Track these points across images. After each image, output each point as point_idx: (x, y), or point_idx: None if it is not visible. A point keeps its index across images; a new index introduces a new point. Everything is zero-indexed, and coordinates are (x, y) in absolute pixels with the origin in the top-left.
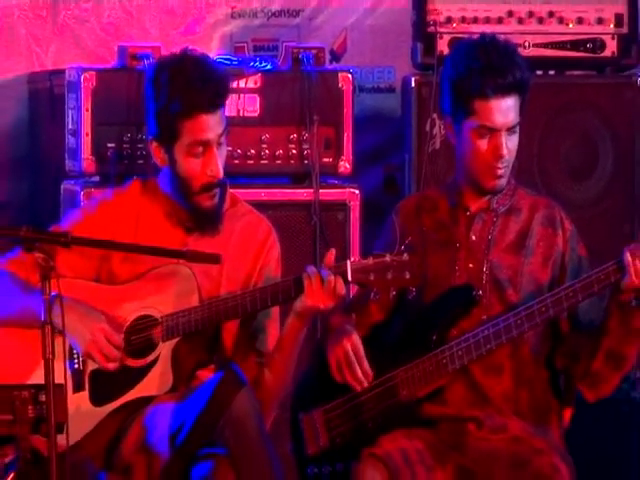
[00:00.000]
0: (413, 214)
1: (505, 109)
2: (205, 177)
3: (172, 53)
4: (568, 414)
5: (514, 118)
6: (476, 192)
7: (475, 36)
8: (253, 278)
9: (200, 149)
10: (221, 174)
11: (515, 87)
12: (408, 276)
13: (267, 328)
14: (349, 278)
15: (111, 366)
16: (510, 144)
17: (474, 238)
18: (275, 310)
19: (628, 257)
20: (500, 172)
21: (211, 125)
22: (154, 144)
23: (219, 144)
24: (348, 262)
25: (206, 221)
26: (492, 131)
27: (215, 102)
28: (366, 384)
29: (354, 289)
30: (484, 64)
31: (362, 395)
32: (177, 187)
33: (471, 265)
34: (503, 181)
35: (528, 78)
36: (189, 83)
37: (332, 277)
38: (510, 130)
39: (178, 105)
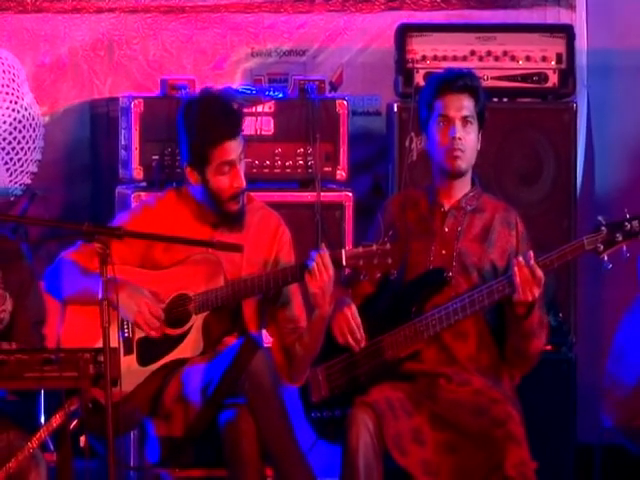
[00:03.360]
0: (399, 209)
1: (458, 103)
2: (232, 189)
3: (196, 94)
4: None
5: (466, 112)
6: (446, 178)
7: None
8: (270, 260)
9: (227, 168)
10: (244, 184)
11: (465, 89)
12: (390, 261)
13: (292, 299)
14: (343, 263)
15: (153, 333)
16: (465, 134)
17: (447, 230)
18: (295, 287)
19: (516, 275)
20: (456, 153)
21: (234, 148)
22: (188, 169)
23: (240, 159)
24: (343, 250)
25: (234, 221)
26: (448, 120)
27: (235, 130)
28: (363, 345)
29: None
30: (443, 76)
31: (356, 355)
32: (209, 198)
33: (444, 252)
34: (460, 163)
35: (478, 87)
36: (213, 118)
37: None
38: (463, 121)
39: (206, 137)
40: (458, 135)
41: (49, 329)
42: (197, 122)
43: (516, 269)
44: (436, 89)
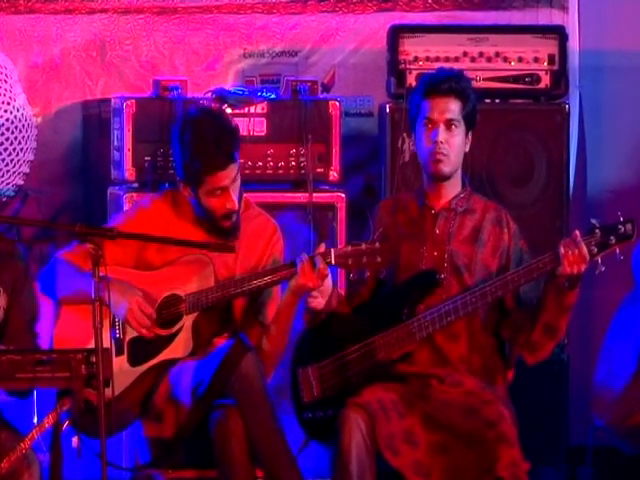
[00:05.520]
0: (390, 212)
1: (442, 106)
2: (224, 210)
3: (192, 112)
4: (511, 374)
5: (451, 115)
6: (432, 182)
7: None
8: (262, 265)
9: (219, 192)
10: (236, 206)
11: (451, 91)
12: (379, 260)
13: (268, 305)
14: (333, 262)
15: (144, 332)
16: (448, 137)
17: (438, 232)
18: (276, 290)
19: (562, 250)
20: (438, 157)
21: (226, 176)
22: (182, 184)
23: (234, 182)
24: (332, 250)
25: (226, 235)
26: (432, 123)
27: (228, 160)
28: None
29: (341, 271)
30: (431, 78)
31: (348, 356)
32: (202, 213)
33: (435, 253)
34: (443, 167)
35: (466, 89)
36: (207, 146)
37: (323, 264)
38: (447, 124)
39: (198, 165)
40: (441, 139)
41: (42, 328)
42: (191, 147)
43: (562, 244)
44: (423, 90)
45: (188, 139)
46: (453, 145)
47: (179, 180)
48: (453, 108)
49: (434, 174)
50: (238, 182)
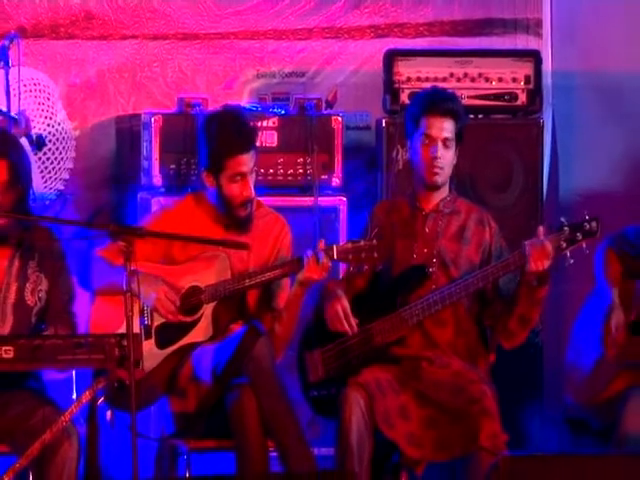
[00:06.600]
0: (385, 213)
1: (440, 125)
2: (242, 197)
3: (216, 109)
4: (492, 357)
5: (447, 134)
6: (426, 192)
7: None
8: (273, 258)
9: (238, 178)
10: (253, 194)
11: (449, 112)
12: (376, 255)
13: (279, 293)
14: (335, 257)
15: (170, 317)
16: (444, 152)
17: (427, 231)
18: (285, 280)
19: (527, 249)
20: (436, 170)
21: (246, 161)
22: (205, 173)
23: (251, 172)
24: (334, 246)
25: (242, 224)
26: (431, 139)
27: (248, 146)
28: (354, 330)
29: (343, 265)
30: (431, 96)
31: (349, 341)
32: (222, 202)
33: (425, 250)
34: (438, 179)
35: (460, 111)
36: (230, 132)
37: (326, 259)
38: (444, 142)
39: (223, 148)
40: (439, 154)
41: (79, 311)
42: (216, 134)
43: (528, 243)
44: (424, 107)
45: (214, 129)
46: (447, 159)
47: (203, 171)
48: (449, 127)
49: (430, 184)
50: (254, 174)
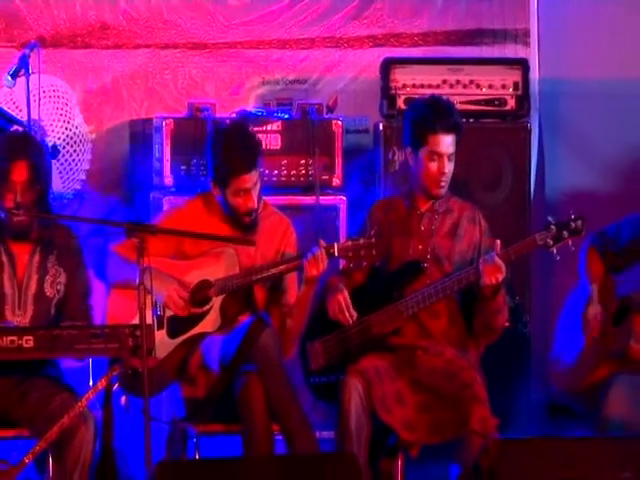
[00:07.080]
0: (383, 212)
1: (447, 141)
2: (246, 208)
3: (224, 123)
4: (482, 347)
5: (452, 150)
6: (426, 197)
7: (424, 96)
8: (279, 255)
9: (242, 193)
10: (255, 206)
11: (453, 128)
12: (375, 253)
13: (288, 289)
14: (336, 254)
15: (180, 312)
16: (450, 166)
17: (423, 228)
18: (293, 276)
19: (481, 266)
20: (442, 184)
21: (249, 179)
22: (213, 184)
23: (255, 185)
24: (335, 244)
25: (247, 229)
26: (438, 155)
27: (251, 166)
28: (352, 320)
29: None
30: (437, 112)
31: (348, 331)
32: (228, 210)
33: (420, 247)
34: (443, 190)
35: (461, 124)
36: (234, 153)
37: (323, 255)
38: (449, 157)
39: (227, 168)
40: (446, 170)
41: (95, 303)
42: (221, 153)
43: (481, 260)
44: (431, 124)
45: (219, 147)
46: (451, 172)
47: (211, 181)
48: (453, 142)
49: (436, 196)
50: (259, 186)
